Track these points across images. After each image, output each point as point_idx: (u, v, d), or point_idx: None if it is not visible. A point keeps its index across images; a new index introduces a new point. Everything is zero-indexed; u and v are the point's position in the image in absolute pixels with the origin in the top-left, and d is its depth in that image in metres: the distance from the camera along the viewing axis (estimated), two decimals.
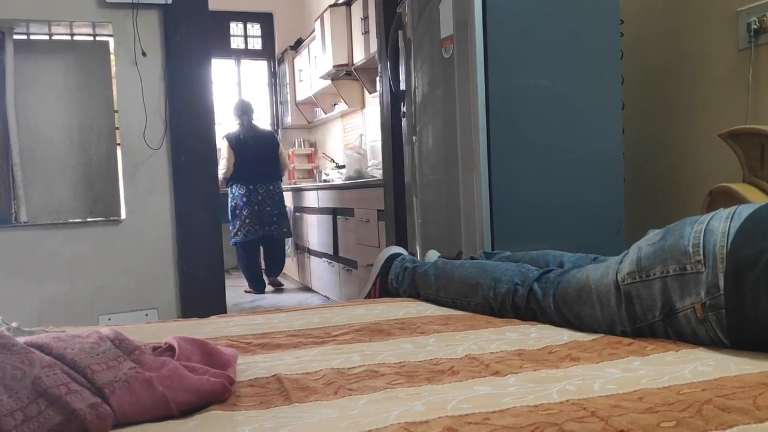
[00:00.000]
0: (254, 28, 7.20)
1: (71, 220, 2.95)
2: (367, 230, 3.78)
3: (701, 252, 1.05)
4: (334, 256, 4.47)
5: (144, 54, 2.95)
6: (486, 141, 2.08)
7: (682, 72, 2.42)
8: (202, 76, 3.06)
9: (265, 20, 7.17)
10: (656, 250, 1.12)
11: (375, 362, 1.05)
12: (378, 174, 4.02)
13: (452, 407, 0.80)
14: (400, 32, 2.65)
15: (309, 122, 6.95)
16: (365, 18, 4.61)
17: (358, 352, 1.12)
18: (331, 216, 4.51)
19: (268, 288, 5.38)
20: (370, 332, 1.29)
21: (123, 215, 2.98)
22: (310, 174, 6.81)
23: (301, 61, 6.47)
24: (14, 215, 2.89)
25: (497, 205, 2.08)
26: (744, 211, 1.06)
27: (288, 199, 5.82)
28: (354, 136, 5.72)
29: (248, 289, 5.27)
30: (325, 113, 6.30)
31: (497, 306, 1.44)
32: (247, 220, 5.05)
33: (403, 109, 2.67)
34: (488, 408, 0.79)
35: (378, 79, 3.86)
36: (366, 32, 4.63)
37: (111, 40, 2.94)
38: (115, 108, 2.96)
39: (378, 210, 3.61)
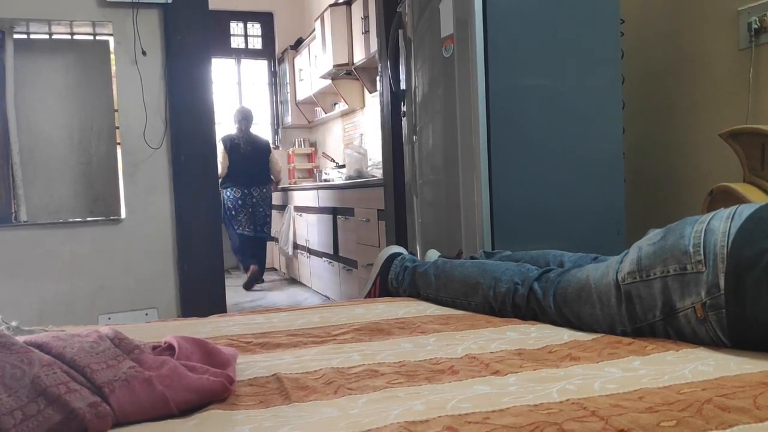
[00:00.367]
0: (254, 28, 7.19)
1: (71, 220, 2.95)
2: (367, 230, 3.78)
3: (702, 252, 1.05)
4: (334, 256, 4.47)
5: (144, 53, 2.95)
6: (486, 141, 2.08)
7: (683, 72, 2.42)
8: (202, 75, 3.06)
9: (266, 20, 7.17)
10: (657, 249, 1.12)
11: (375, 361, 1.05)
12: (378, 174, 4.02)
13: (452, 406, 0.80)
14: (400, 32, 2.64)
15: (309, 122, 6.95)
16: (365, 17, 4.61)
17: (358, 352, 1.12)
18: (331, 216, 4.51)
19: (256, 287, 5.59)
20: (370, 332, 1.29)
21: (123, 215, 2.98)
22: (310, 174, 6.81)
23: (301, 60, 6.47)
24: (14, 215, 2.89)
25: (497, 205, 2.08)
26: (745, 211, 1.05)
27: (288, 199, 5.84)
28: (354, 136, 5.72)
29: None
30: (326, 113, 6.30)
31: (497, 305, 1.44)
32: (243, 221, 5.34)
33: (403, 108, 2.67)
34: (488, 407, 0.79)
35: (378, 78, 3.86)
36: (366, 32, 4.63)
37: (111, 40, 2.94)
38: (115, 107, 2.96)
39: (378, 210, 3.61)
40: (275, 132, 7.30)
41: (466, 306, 1.53)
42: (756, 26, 2.05)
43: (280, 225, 5.91)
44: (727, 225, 1.04)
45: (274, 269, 6.55)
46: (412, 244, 2.67)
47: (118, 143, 2.97)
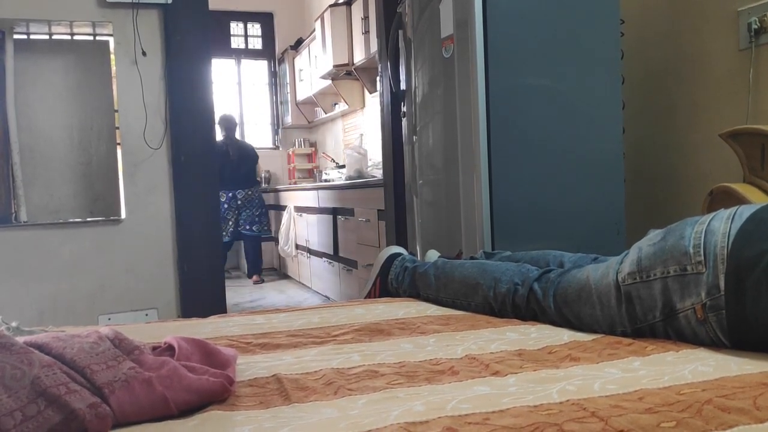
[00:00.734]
0: (254, 28, 7.20)
1: (71, 220, 2.95)
2: (367, 230, 3.78)
3: (702, 253, 1.05)
4: (335, 256, 4.47)
5: (144, 54, 2.95)
6: (486, 141, 2.08)
7: (683, 72, 2.42)
8: (202, 75, 3.06)
9: (266, 20, 7.17)
10: (657, 250, 1.12)
11: (375, 362, 1.05)
12: (378, 174, 4.01)
13: (452, 407, 0.80)
14: (400, 32, 2.64)
15: (309, 122, 6.95)
16: (365, 18, 4.61)
17: (358, 352, 1.12)
18: (331, 216, 4.51)
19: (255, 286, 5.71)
20: (370, 332, 1.29)
21: (123, 215, 2.98)
22: (310, 174, 6.81)
23: (301, 60, 6.47)
24: (14, 215, 2.89)
25: (497, 205, 2.08)
26: (745, 212, 1.05)
27: (288, 198, 5.84)
28: (354, 136, 5.72)
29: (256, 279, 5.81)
30: (326, 113, 6.30)
31: (497, 306, 1.44)
32: (231, 223, 5.57)
33: (403, 109, 2.67)
34: (488, 408, 0.79)
35: (378, 78, 3.86)
36: (366, 32, 4.63)
37: (111, 40, 2.94)
38: (115, 108, 2.96)
39: (378, 210, 3.61)
40: (275, 132, 7.30)
41: (466, 306, 1.53)
42: (756, 26, 2.05)
43: (280, 225, 5.90)
44: (727, 226, 1.04)
45: (273, 269, 6.55)
46: (412, 244, 2.67)
47: (118, 143, 2.97)
